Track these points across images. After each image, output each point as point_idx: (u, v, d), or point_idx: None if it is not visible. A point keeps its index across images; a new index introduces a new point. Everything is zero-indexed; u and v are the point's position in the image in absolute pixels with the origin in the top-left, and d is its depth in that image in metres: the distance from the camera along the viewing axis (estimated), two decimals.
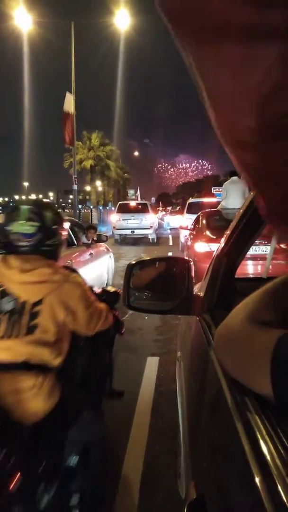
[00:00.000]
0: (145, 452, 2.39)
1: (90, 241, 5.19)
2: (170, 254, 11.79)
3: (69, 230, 4.74)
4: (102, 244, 5.44)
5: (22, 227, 1.40)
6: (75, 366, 1.66)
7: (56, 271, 1.44)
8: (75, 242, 4.82)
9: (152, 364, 3.60)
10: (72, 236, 4.78)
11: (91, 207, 30.11)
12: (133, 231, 14.48)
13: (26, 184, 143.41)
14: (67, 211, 19.62)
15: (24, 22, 15.85)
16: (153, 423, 2.67)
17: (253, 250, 6.00)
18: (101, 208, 28.30)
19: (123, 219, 14.44)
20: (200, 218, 7.52)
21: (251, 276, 5.36)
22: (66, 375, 1.50)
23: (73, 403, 1.52)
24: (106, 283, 5.59)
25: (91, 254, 4.39)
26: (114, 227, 15.37)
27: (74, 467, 1.50)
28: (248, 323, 0.61)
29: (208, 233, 6.77)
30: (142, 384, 3.20)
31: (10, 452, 1.16)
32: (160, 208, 26.92)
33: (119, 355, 3.83)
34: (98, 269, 5.09)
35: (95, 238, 5.30)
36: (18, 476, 1.16)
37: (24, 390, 1.32)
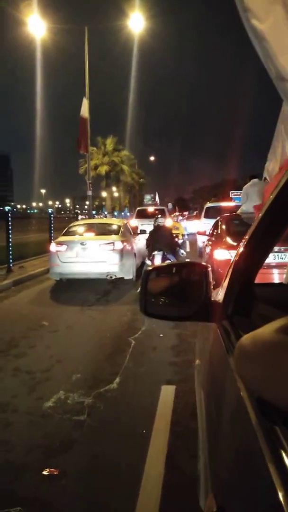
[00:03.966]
0: None
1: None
2: (187, 260, 11.30)
3: (128, 226, 9.04)
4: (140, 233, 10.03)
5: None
6: None
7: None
8: (132, 232, 9.07)
9: (167, 395, 3.09)
10: (130, 229, 9.10)
11: (106, 212, 29.94)
12: None
13: (43, 191, 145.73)
14: (82, 217, 19.49)
15: (37, 28, 15.73)
16: (166, 477, 2.17)
17: (279, 258, 5.51)
18: (116, 213, 28.05)
19: (141, 224, 14.50)
20: (219, 223, 7.07)
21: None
22: None
23: None
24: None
25: (139, 238, 9.33)
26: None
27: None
28: (279, 333, 0.56)
29: (228, 239, 6.29)
30: (155, 422, 2.70)
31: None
32: (177, 213, 26.44)
33: (128, 383, 3.35)
34: (143, 242, 9.25)
35: (138, 232, 9.75)
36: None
37: None
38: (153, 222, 13.88)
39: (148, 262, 7.58)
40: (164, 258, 7.34)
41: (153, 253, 7.35)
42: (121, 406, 2.97)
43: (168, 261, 7.04)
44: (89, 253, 7.34)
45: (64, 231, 8.54)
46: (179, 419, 2.73)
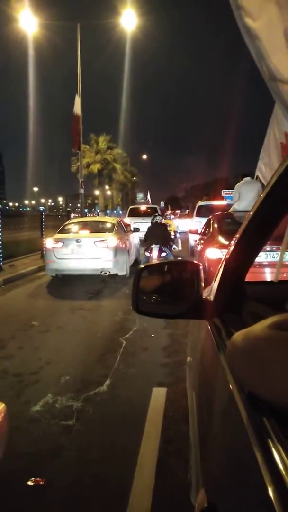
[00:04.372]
0: None
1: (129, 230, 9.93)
2: (179, 258, 11.25)
3: (122, 224, 9.16)
4: (133, 231, 10.18)
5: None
6: None
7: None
8: (125, 230, 9.09)
9: (158, 398, 3.01)
10: (124, 227, 9.14)
11: (98, 211, 29.86)
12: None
13: (36, 189, 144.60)
14: (75, 215, 19.38)
15: (29, 24, 15.45)
16: (158, 485, 2.10)
17: (271, 257, 5.47)
18: (108, 212, 27.91)
19: (134, 222, 14.55)
20: (211, 221, 7.01)
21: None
22: None
23: None
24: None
25: (132, 236, 9.57)
26: None
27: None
28: (272, 330, 0.56)
29: (220, 238, 6.23)
30: (145, 426, 2.62)
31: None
32: (169, 212, 26.43)
33: (118, 385, 3.27)
34: (136, 239, 10.25)
35: (132, 229, 9.89)
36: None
37: None
38: (144, 221, 13.35)
39: (147, 253, 8.36)
40: (160, 251, 8.20)
41: (151, 246, 8.22)
42: (111, 410, 2.88)
43: (164, 253, 8.23)
44: (84, 250, 7.54)
45: (60, 228, 8.72)
46: (170, 423, 2.66)
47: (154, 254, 8.12)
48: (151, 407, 2.87)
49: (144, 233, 11.75)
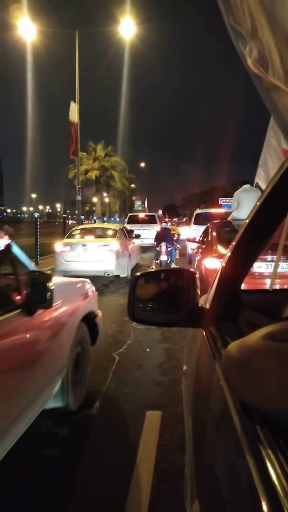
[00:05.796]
0: None
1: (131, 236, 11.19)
2: (176, 266, 11.04)
3: (124, 231, 10.17)
4: (135, 237, 11.34)
5: None
6: None
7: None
8: (127, 236, 10.07)
9: (152, 423, 2.74)
10: (126, 233, 10.14)
11: (95, 218, 29.77)
12: (143, 241, 15.12)
13: (34, 196, 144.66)
14: (73, 222, 19.37)
15: (28, 32, 15.39)
16: None
17: (272, 268, 5.26)
18: (105, 219, 27.75)
19: (133, 229, 14.90)
20: (210, 230, 6.81)
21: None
22: None
23: None
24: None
25: (134, 241, 10.78)
26: None
27: None
28: (264, 340, 0.57)
29: (218, 247, 6.03)
30: (137, 457, 2.35)
31: None
32: (167, 219, 26.44)
33: (109, 408, 3.01)
34: (138, 245, 11.49)
35: (134, 235, 11.15)
36: None
37: None
38: (142, 228, 16.55)
39: (157, 249, 10.38)
40: (166, 247, 10.24)
41: (160, 244, 10.26)
42: (99, 438, 2.61)
43: (169, 248, 10.35)
44: (89, 253, 8.37)
45: (67, 234, 9.93)
46: (164, 455, 2.38)
47: (163, 249, 10.23)
48: (144, 435, 2.59)
49: (144, 240, 13.66)
